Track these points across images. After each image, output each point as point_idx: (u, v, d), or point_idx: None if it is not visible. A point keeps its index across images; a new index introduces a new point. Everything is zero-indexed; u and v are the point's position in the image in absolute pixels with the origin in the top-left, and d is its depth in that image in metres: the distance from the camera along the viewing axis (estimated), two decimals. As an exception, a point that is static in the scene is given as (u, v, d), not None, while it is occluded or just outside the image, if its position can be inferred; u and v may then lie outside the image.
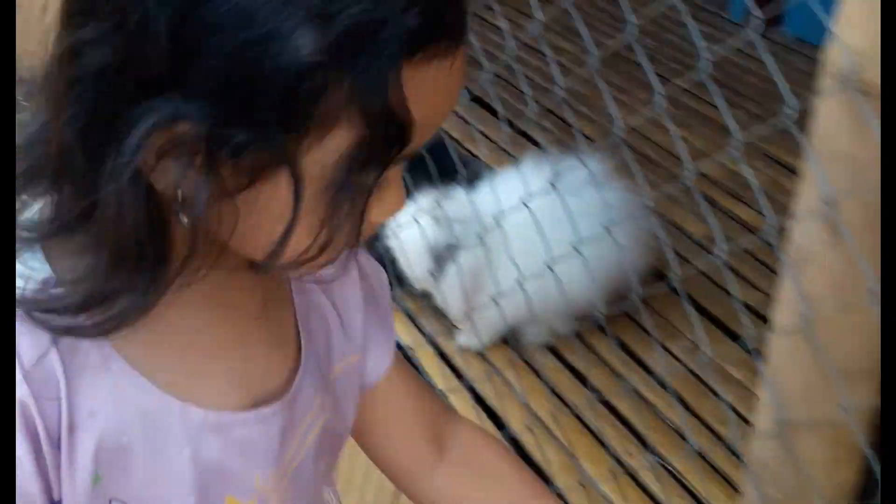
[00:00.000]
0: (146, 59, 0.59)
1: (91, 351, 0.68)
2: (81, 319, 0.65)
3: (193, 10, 0.59)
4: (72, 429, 0.67)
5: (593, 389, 1.78)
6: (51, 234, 0.67)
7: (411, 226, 1.86)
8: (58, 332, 0.66)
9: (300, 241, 0.65)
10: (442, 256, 1.82)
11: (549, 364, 1.94)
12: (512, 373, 1.89)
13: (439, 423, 1.00)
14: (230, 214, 0.64)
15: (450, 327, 2.02)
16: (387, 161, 0.65)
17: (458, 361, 1.96)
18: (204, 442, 0.73)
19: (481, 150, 2.57)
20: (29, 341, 0.65)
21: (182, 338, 0.73)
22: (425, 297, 2.01)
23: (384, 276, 0.93)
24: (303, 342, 0.81)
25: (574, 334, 1.95)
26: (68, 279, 0.66)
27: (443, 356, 1.99)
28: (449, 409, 1.03)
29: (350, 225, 0.66)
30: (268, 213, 0.64)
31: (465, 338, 1.98)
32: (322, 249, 0.66)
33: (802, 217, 0.98)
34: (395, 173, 0.70)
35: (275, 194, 0.63)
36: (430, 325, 2.03)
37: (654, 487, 1.63)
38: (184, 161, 0.61)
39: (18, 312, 0.65)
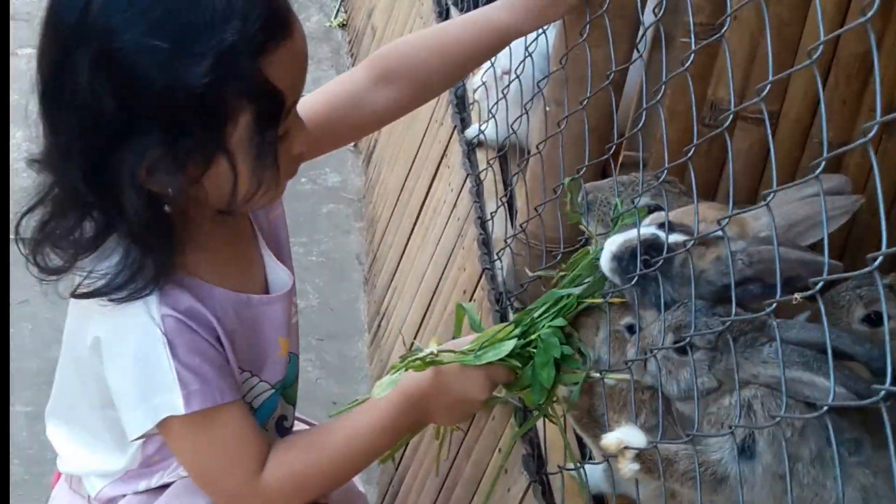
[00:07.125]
0: (108, 123, 0.97)
1: (199, 288, 1.22)
2: (141, 283, 1.15)
3: (129, 87, 0.96)
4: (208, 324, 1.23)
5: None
6: (88, 248, 1.11)
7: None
8: (142, 294, 1.16)
9: (245, 188, 1.11)
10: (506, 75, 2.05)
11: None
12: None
13: None
14: (207, 187, 1.12)
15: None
16: (277, 121, 1.05)
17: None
18: (258, 313, 1.31)
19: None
20: (167, 303, 1.18)
21: (223, 261, 1.27)
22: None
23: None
24: (266, 259, 1.36)
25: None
26: (117, 267, 1.12)
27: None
28: None
29: (272, 168, 1.10)
30: (222, 180, 1.10)
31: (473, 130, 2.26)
32: (258, 190, 1.11)
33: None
34: (292, 120, 1.09)
35: (221, 168, 1.09)
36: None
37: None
38: (163, 169, 1.04)
39: (137, 300, 1.16)
